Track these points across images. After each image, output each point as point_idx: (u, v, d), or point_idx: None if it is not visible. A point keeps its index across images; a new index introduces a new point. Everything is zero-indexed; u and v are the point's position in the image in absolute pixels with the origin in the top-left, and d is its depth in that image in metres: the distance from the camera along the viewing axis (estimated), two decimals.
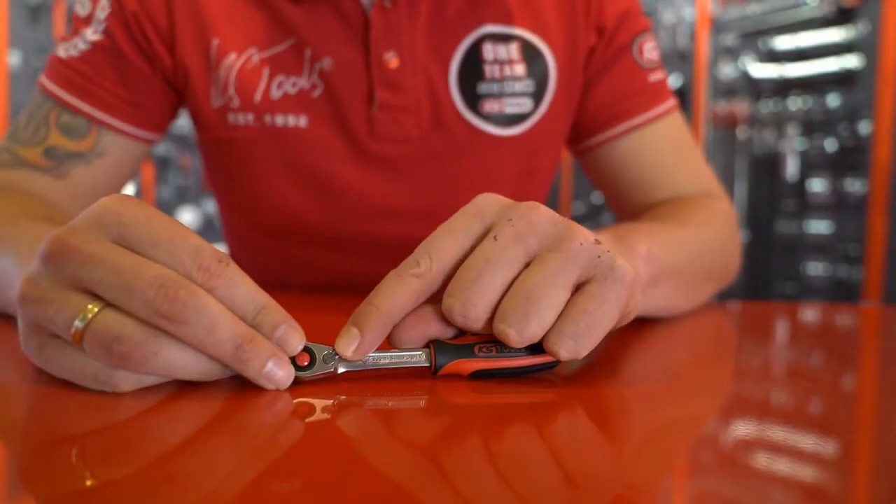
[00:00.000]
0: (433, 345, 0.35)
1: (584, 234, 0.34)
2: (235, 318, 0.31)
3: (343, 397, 0.33)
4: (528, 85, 0.66)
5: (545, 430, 0.29)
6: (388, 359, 0.34)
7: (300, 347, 0.32)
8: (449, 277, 0.34)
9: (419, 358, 0.35)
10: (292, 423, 0.29)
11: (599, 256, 0.33)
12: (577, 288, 0.33)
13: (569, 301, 0.33)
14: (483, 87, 0.65)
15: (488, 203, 0.35)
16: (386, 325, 0.33)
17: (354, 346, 0.33)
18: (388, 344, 0.35)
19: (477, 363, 0.35)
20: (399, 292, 0.33)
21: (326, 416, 0.30)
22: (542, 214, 0.33)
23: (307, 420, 0.30)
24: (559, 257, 0.33)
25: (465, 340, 0.35)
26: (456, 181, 0.68)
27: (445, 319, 0.34)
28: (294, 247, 0.70)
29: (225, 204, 0.75)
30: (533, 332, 0.32)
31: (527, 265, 0.33)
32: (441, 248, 0.34)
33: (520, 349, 0.34)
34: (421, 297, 0.34)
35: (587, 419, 0.31)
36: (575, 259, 0.33)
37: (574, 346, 0.33)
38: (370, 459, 0.25)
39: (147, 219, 0.31)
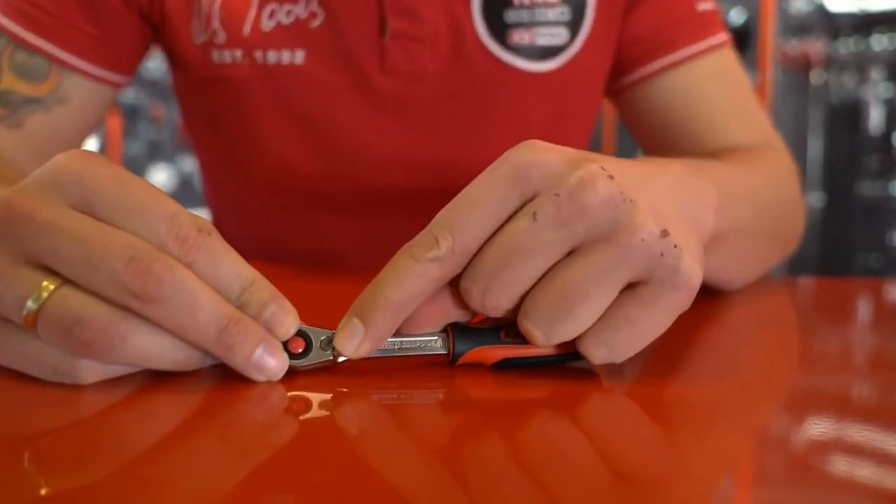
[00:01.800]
0: (451, 328, 0.35)
1: (648, 224, 0.32)
2: (219, 297, 0.31)
3: (344, 390, 0.33)
4: (562, 13, 0.65)
5: (585, 432, 0.29)
6: (398, 345, 0.34)
7: (293, 331, 0.32)
8: (473, 257, 0.33)
9: (435, 344, 0.35)
10: (285, 420, 0.30)
11: (663, 255, 0.32)
12: (628, 286, 0.33)
13: (613, 302, 0.32)
14: (511, 15, 0.64)
15: (532, 162, 0.33)
16: (395, 318, 0.33)
17: (357, 343, 0.33)
18: (400, 328, 0.34)
19: (503, 351, 0.35)
20: (413, 280, 0.32)
21: (324, 412, 0.30)
22: (598, 194, 0.31)
23: (302, 417, 0.30)
24: (611, 254, 0.31)
25: (488, 323, 0.35)
26: (478, 126, 0.67)
27: (464, 302, 0.34)
28: (290, 207, 0.70)
29: (208, 159, 0.75)
30: (562, 336, 0.32)
31: (568, 254, 0.32)
32: (467, 224, 0.32)
33: None
34: (439, 285, 0.33)
35: (634, 420, 0.31)
36: (631, 258, 0.32)
37: (609, 355, 0.33)
38: (376, 465, 0.26)
39: (114, 180, 0.31)
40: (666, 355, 0.40)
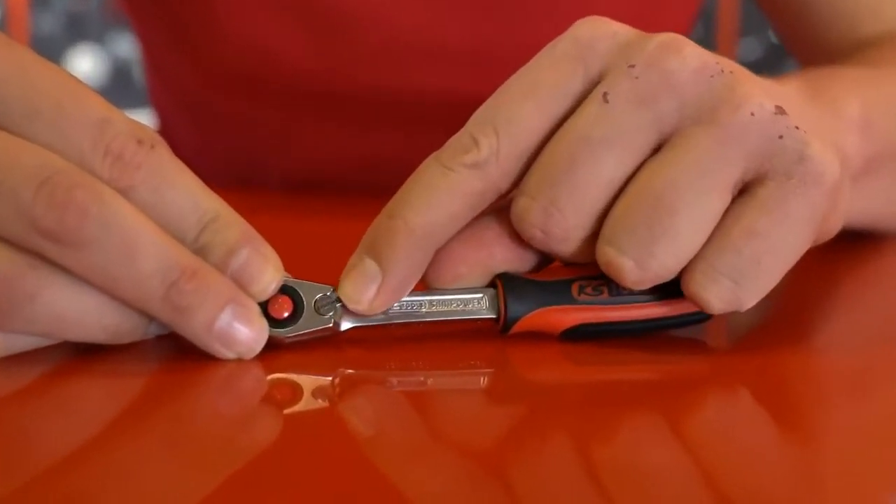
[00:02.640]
0: (502, 282, 0.34)
1: (757, 95, 0.32)
2: (167, 238, 0.30)
3: (349, 372, 0.33)
4: None
5: (690, 429, 0.29)
6: (426, 305, 0.34)
7: (275, 286, 0.31)
8: (527, 167, 0.33)
9: (478, 304, 0.34)
10: (263, 417, 0.30)
11: (782, 137, 0.32)
12: (742, 190, 0.32)
13: (726, 213, 0.32)
14: None
15: (596, 34, 0.33)
16: (424, 253, 0.32)
17: (372, 292, 0.32)
18: (424, 283, 0.34)
19: (576, 313, 0.34)
20: (445, 196, 0.32)
21: (320, 404, 0.30)
22: (686, 59, 0.32)
23: (288, 412, 0.30)
24: (713, 136, 0.31)
25: (555, 275, 0.34)
26: (535, 2, 0.66)
27: (519, 238, 0.33)
28: (273, 112, 0.70)
29: (156, 43, 0.75)
30: (663, 266, 0.32)
31: (657, 147, 0.32)
32: (516, 117, 0.32)
33: (644, 292, 0.33)
34: (480, 205, 0.33)
35: (757, 411, 0.31)
36: (740, 140, 0.31)
37: (734, 292, 0.32)
38: (394, 482, 0.25)
39: (18, 71, 0.30)
40: (795, 321, 0.40)
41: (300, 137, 0.71)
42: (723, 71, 0.32)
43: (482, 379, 0.33)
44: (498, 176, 0.32)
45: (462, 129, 0.33)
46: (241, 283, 0.31)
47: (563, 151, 0.32)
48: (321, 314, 0.33)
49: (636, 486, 0.25)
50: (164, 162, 0.31)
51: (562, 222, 0.32)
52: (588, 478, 0.25)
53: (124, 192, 0.30)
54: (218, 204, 0.32)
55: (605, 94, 0.32)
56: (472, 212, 0.33)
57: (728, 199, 0.32)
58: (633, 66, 0.32)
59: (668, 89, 0.32)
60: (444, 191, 0.32)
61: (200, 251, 0.31)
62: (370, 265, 0.32)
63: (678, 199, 0.31)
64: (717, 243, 0.32)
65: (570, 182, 0.32)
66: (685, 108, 0.32)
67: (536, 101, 0.33)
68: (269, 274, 0.32)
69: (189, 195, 0.31)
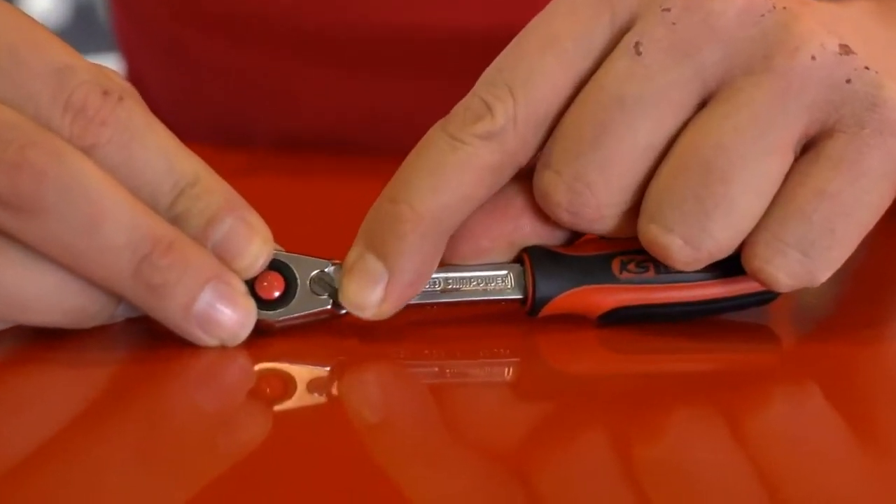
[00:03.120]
0: (530, 257, 0.33)
1: (818, 33, 0.32)
2: (139, 204, 0.30)
3: (350, 362, 0.33)
4: None
5: (749, 431, 0.29)
6: (442, 284, 0.34)
7: (263, 261, 0.31)
8: (549, 134, 0.32)
9: (503, 283, 0.34)
10: (250, 414, 0.30)
11: (850, 81, 0.31)
12: (806, 146, 0.32)
13: (789, 174, 0.32)
14: None
15: None
16: (434, 243, 0.32)
17: (378, 295, 0.32)
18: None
19: (617, 294, 0.33)
20: (454, 176, 0.32)
21: (317, 399, 0.30)
22: (732, 0, 0.32)
23: (278, 408, 0.30)
24: (768, 88, 0.31)
25: (592, 248, 0.34)
26: None
27: (543, 212, 0.33)
28: (260, 56, 0.69)
29: None
30: (718, 243, 0.32)
31: (701, 104, 0.32)
32: (534, 74, 0.32)
33: (696, 269, 0.33)
34: (497, 181, 0.33)
35: (827, 410, 0.31)
36: (801, 89, 0.31)
37: (804, 265, 0.32)
38: (402, 486, 0.25)
39: None
40: (872, 299, 0.40)
41: (293, 86, 0.70)
42: (774, 7, 0.32)
43: (506, 370, 0.33)
44: (516, 147, 0.32)
45: (471, 92, 0.33)
46: (223, 258, 0.31)
47: (590, 116, 0.32)
48: (317, 294, 0.33)
49: (685, 496, 0.25)
50: (134, 116, 0.31)
51: (592, 201, 0.32)
52: (629, 486, 0.25)
53: (88, 152, 0.30)
54: (197, 166, 0.32)
55: (636, 45, 0.31)
56: (488, 190, 0.33)
57: (790, 158, 0.32)
58: (667, 10, 0.31)
59: (710, 35, 0.31)
60: (454, 168, 0.32)
61: (176, 220, 0.31)
62: (373, 263, 0.32)
63: (731, 164, 0.31)
64: (781, 210, 0.32)
65: (600, 153, 0.32)
66: (733, 57, 0.32)
67: (557, 54, 0.32)
68: (256, 247, 0.31)
69: (163, 155, 0.31)
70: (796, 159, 0.32)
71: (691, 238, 0.31)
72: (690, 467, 0.26)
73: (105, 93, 0.30)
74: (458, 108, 0.33)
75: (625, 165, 0.32)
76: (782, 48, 0.31)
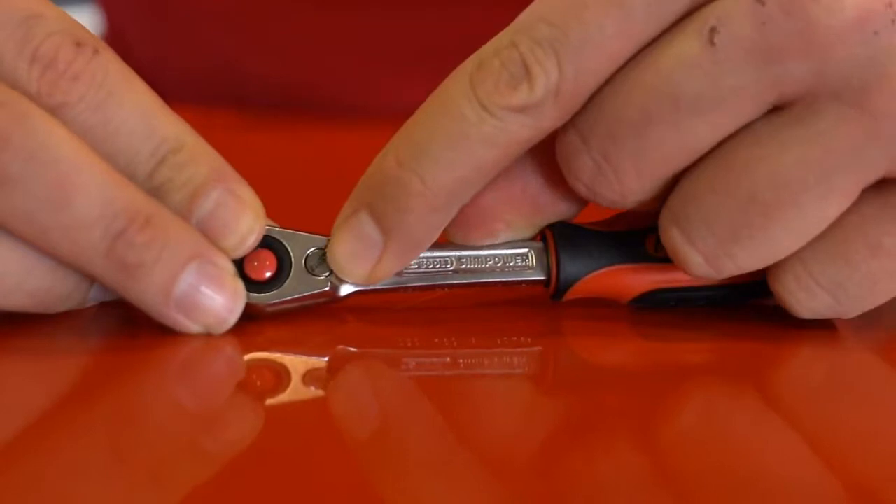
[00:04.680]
0: (553, 234, 0.33)
1: None
2: (114, 174, 0.29)
3: (351, 350, 0.32)
4: None
5: (801, 427, 0.28)
6: (454, 264, 0.33)
7: (255, 237, 0.31)
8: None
9: (523, 262, 0.33)
10: (238, 411, 0.30)
11: None
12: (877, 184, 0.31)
13: (849, 211, 0.30)
14: None
15: None
16: (443, 216, 0.31)
17: (370, 262, 0.31)
18: (447, 236, 0.33)
19: (652, 274, 0.33)
20: (477, 150, 0.30)
21: (313, 393, 0.30)
22: (845, 4, 0.29)
23: (272, 402, 0.29)
24: (856, 125, 0.29)
25: (625, 224, 0.33)
26: None
27: (564, 184, 0.32)
28: (253, 2, 0.68)
29: None
30: (740, 269, 0.31)
31: (772, 108, 0.30)
32: (593, 37, 0.30)
33: None
34: (522, 152, 0.31)
35: (880, 404, 0.30)
36: (892, 137, 0.29)
37: (831, 308, 0.31)
38: (408, 493, 0.24)
39: None
40: None
41: (286, 32, 0.71)
42: (894, 22, 0.30)
43: (527, 361, 0.33)
44: (553, 123, 0.30)
45: (510, 39, 0.30)
46: (210, 235, 0.30)
47: (637, 100, 0.30)
48: (314, 274, 0.32)
49: (727, 499, 0.24)
50: (110, 72, 0.30)
51: (616, 186, 0.31)
52: (665, 489, 0.24)
53: (56, 111, 0.29)
54: (180, 130, 0.31)
55: (712, 31, 0.29)
56: (509, 162, 0.32)
57: (852, 200, 0.31)
58: (761, 4, 0.29)
59: (805, 48, 0.29)
60: (478, 142, 0.30)
61: (157, 191, 0.30)
62: (368, 226, 0.31)
63: (781, 201, 0.30)
64: (825, 250, 0.31)
65: (638, 143, 0.30)
66: (824, 76, 0.29)
67: (622, 18, 0.30)
68: (246, 222, 0.31)
69: (143, 117, 0.30)
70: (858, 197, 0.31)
71: (713, 258, 0.30)
72: (734, 468, 0.25)
73: (77, 44, 0.30)
74: (493, 63, 0.30)
75: (661, 161, 0.30)
76: (885, 85, 0.29)
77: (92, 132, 0.30)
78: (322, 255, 0.32)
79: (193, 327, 0.30)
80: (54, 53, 0.29)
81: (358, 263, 0.32)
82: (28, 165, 0.28)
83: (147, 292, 0.30)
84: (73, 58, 0.29)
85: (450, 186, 0.31)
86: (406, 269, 0.33)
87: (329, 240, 0.32)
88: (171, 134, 0.31)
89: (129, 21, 0.77)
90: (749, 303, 0.34)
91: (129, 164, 0.30)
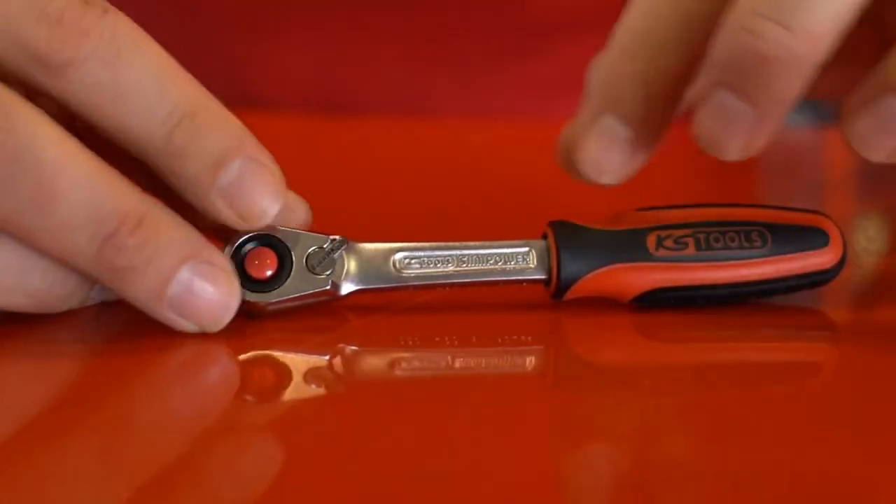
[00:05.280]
0: (554, 232, 0.33)
1: None
2: (104, 170, 0.29)
3: (352, 350, 0.32)
4: None
5: (804, 429, 0.27)
6: (454, 263, 0.33)
7: (277, 208, 0.31)
8: None
9: (524, 261, 0.33)
10: (240, 408, 0.30)
11: None
12: None
13: None
14: None
15: None
16: (676, 104, 0.31)
17: (621, 158, 0.31)
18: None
19: (653, 273, 0.33)
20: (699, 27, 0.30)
21: (313, 391, 0.30)
22: None
23: (271, 401, 0.30)
24: None
25: (626, 223, 0.33)
26: None
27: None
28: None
29: None
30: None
31: None
32: None
33: (743, 247, 0.33)
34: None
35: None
36: None
37: None
38: (410, 496, 0.24)
39: None
40: None
41: (291, 35, 0.69)
42: None
43: (528, 360, 0.33)
44: None
45: None
46: (232, 207, 0.30)
47: None
48: (315, 273, 0.32)
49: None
50: (120, 30, 0.29)
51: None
52: (665, 489, 0.24)
53: (65, 69, 0.29)
54: (196, 92, 0.30)
55: None
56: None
57: None
58: None
59: None
60: (703, 13, 0.30)
61: (173, 157, 0.30)
62: (614, 125, 0.31)
63: None
64: None
65: None
66: None
67: None
68: (269, 193, 0.30)
69: (155, 76, 0.30)
70: None
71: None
72: (734, 468, 0.25)
73: (86, 2, 0.29)
74: None
75: None
76: None
77: (102, 89, 0.29)
78: (323, 255, 0.32)
79: (188, 326, 0.30)
80: (62, 11, 0.29)
81: (611, 160, 0.31)
82: (9, 167, 0.28)
83: (140, 293, 0.30)
84: (81, 15, 0.29)
85: (677, 71, 0.31)
86: (406, 268, 0.33)
87: (331, 239, 0.32)
88: (186, 96, 0.30)
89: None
90: (749, 302, 0.34)
91: (141, 125, 0.30)
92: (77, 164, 0.29)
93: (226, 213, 0.30)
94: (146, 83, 0.30)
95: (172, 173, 0.30)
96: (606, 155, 0.31)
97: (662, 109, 0.32)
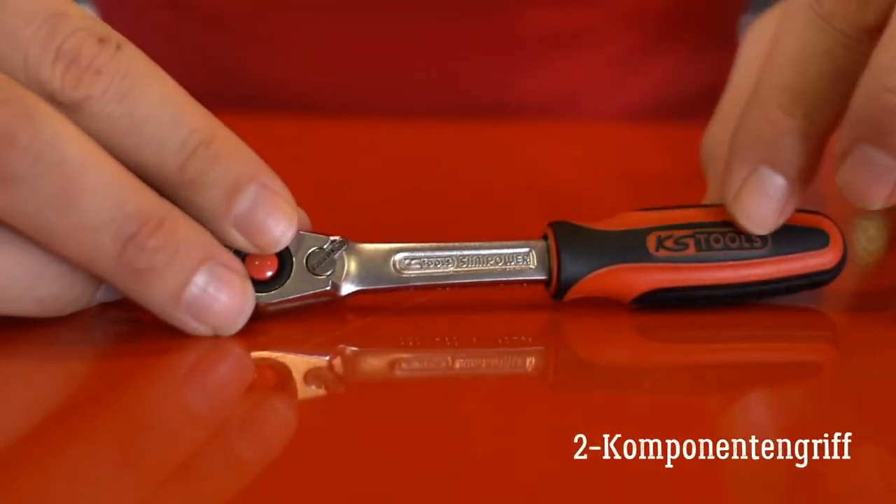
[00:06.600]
0: (554, 232, 0.33)
1: None
2: (124, 174, 0.29)
3: (352, 350, 0.32)
4: None
5: (805, 428, 0.27)
6: (454, 264, 0.33)
7: (291, 234, 0.31)
8: None
9: (524, 262, 0.33)
10: (241, 408, 0.29)
11: None
12: None
13: None
14: None
15: None
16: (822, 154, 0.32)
17: (778, 212, 0.32)
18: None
19: (653, 274, 0.33)
20: (846, 79, 0.31)
21: (313, 392, 0.30)
22: None
23: (272, 401, 0.29)
24: None
25: (626, 223, 0.33)
26: None
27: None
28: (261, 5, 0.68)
29: None
30: None
31: None
32: None
33: (744, 247, 0.32)
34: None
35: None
36: None
37: None
38: (409, 497, 0.24)
39: None
40: None
41: (285, 38, 0.69)
42: None
43: (528, 361, 0.33)
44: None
45: None
46: (247, 233, 0.30)
47: None
48: (316, 274, 0.32)
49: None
50: (133, 65, 0.30)
51: None
52: (666, 489, 0.24)
53: (81, 106, 0.29)
54: (209, 121, 0.30)
55: None
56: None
57: None
58: None
59: None
60: (847, 69, 0.31)
61: (189, 186, 0.30)
62: (774, 178, 0.32)
63: None
64: None
65: None
66: None
67: None
68: (283, 219, 0.31)
69: (169, 107, 0.30)
70: None
71: None
72: (739, 471, 0.25)
73: (101, 40, 0.29)
74: None
75: None
76: None
77: (117, 123, 0.29)
78: (323, 255, 0.32)
79: (202, 329, 0.30)
80: (77, 50, 0.29)
81: (770, 215, 0.32)
82: (34, 166, 0.28)
83: (158, 295, 0.30)
84: (96, 53, 0.29)
85: (830, 123, 0.32)
86: (406, 269, 0.33)
87: (331, 240, 0.32)
88: (200, 125, 0.30)
89: (122, 20, 0.76)
90: (749, 302, 0.34)
91: (157, 155, 0.30)
92: (99, 164, 0.29)
93: (242, 243, 0.30)
94: (160, 114, 0.30)
95: (190, 203, 0.30)
96: (765, 205, 0.32)
97: (815, 160, 0.32)
